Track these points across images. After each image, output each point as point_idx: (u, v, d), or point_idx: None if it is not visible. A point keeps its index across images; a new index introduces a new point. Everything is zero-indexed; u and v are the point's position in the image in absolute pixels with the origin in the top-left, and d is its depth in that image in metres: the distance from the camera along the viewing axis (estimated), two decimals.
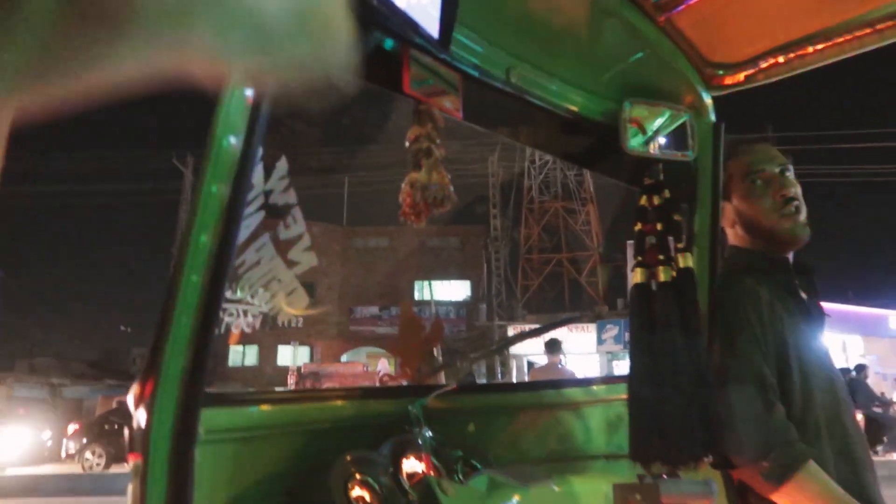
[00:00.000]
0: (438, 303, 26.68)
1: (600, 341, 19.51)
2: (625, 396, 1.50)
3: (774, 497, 1.37)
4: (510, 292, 27.91)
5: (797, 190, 1.58)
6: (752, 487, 1.41)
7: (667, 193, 1.53)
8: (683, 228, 1.55)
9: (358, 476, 1.24)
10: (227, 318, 1.98)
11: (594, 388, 1.72)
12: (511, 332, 25.44)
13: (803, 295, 1.60)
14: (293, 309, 1.95)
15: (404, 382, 1.73)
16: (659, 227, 1.52)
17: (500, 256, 27.15)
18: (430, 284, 27.42)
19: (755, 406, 1.41)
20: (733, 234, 1.67)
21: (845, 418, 1.49)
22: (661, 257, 1.48)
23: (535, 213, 31.72)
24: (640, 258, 1.52)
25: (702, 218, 1.59)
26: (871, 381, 11.80)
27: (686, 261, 1.47)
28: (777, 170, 1.57)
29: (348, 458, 1.24)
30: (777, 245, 1.58)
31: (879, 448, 10.39)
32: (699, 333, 1.42)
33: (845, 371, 10.10)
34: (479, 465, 1.41)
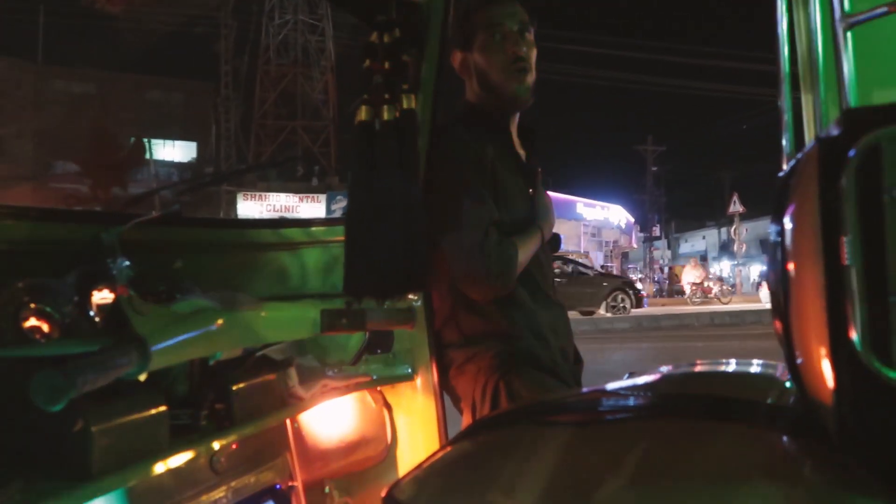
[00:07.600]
0: (159, 163, 24.37)
1: (329, 212, 19.84)
2: (342, 238, 1.52)
3: None
4: (241, 158, 26.57)
5: (530, 52, 1.64)
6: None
7: (397, 32, 1.50)
8: (410, 70, 1.55)
9: (33, 306, 1.08)
10: None
11: (313, 229, 1.71)
12: (241, 199, 24.45)
13: (521, 153, 1.74)
14: None
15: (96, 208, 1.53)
16: (387, 65, 1.50)
17: (231, 118, 25.42)
18: (148, 143, 24.78)
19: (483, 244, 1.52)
20: (469, 89, 1.72)
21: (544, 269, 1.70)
22: (387, 96, 1.48)
23: (271, 76, 30.00)
24: (366, 96, 1.50)
25: (428, 63, 1.60)
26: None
27: (410, 102, 1.48)
28: (516, 28, 1.62)
29: (20, 284, 1.07)
30: (501, 104, 1.67)
31: None
32: (415, 174, 1.47)
33: None
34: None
